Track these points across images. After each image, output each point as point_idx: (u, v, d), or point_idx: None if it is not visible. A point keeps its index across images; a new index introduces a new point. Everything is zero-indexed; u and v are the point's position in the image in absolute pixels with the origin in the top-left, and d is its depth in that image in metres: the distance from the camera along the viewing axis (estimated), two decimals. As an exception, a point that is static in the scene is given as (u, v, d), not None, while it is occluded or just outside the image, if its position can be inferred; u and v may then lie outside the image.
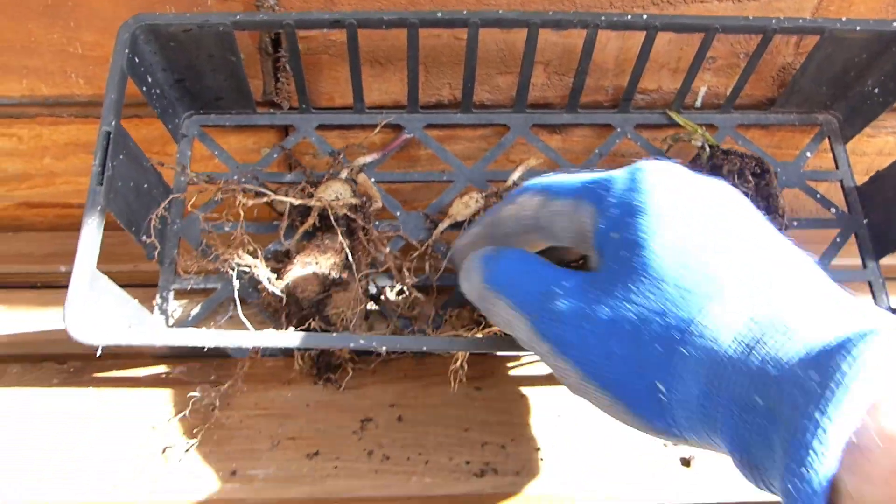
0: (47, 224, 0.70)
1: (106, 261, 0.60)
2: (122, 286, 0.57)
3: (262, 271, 0.46)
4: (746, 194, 0.55)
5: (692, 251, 0.32)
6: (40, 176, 0.66)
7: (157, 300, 0.53)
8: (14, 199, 0.68)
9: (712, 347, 0.30)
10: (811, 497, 0.25)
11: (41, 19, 0.57)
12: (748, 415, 0.28)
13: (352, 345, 0.42)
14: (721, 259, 0.32)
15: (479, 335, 0.46)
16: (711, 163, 0.59)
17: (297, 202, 0.51)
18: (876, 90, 0.61)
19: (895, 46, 0.58)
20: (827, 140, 0.66)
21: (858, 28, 0.57)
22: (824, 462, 0.25)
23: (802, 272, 0.32)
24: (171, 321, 0.53)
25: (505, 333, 0.40)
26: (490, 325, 0.48)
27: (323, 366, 0.48)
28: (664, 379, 0.31)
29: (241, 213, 0.53)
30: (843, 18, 0.57)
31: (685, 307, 0.31)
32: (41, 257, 0.62)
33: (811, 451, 0.25)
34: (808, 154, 0.65)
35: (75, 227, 0.69)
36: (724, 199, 0.36)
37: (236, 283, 0.46)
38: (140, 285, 0.58)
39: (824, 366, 0.26)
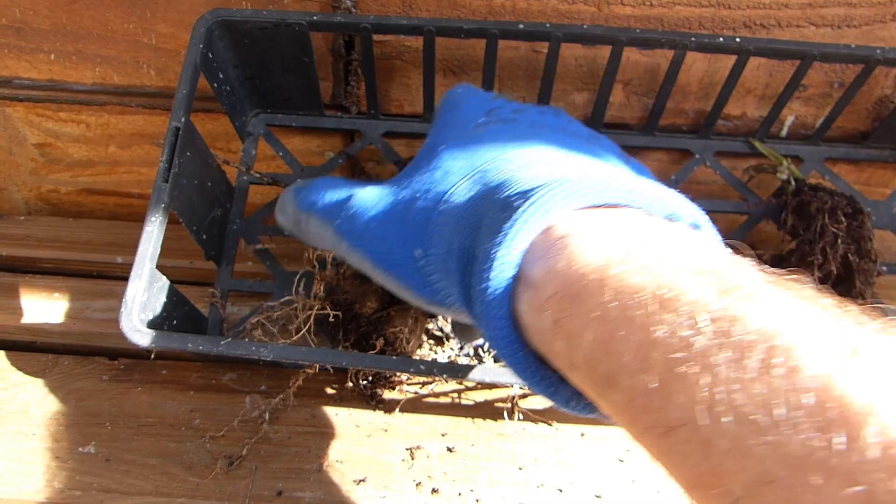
0: (107, 212, 0.70)
1: (161, 255, 0.60)
2: (177, 282, 0.57)
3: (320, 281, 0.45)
4: (836, 235, 0.52)
5: (465, 147, 0.37)
6: (104, 164, 0.66)
7: (212, 301, 0.52)
8: (77, 185, 0.68)
9: (454, 209, 0.34)
10: (492, 309, 0.28)
11: (119, 9, 0.56)
12: (470, 262, 0.31)
13: (411, 370, 0.40)
14: (488, 149, 0.36)
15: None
16: (798, 199, 0.55)
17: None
18: (983, 131, 0.57)
19: None
20: (921, 181, 0.61)
21: (972, 64, 0.53)
22: (502, 274, 0.28)
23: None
24: (225, 325, 0.51)
25: None
26: None
27: (376, 386, 0.47)
28: (422, 244, 0.35)
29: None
30: (956, 53, 0.53)
31: (445, 184, 0.36)
32: (99, 246, 0.62)
33: (491, 268, 0.28)
34: (902, 194, 0.61)
35: (134, 217, 0.69)
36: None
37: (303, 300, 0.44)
38: (194, 283, 0.58)
39: (513, 204, 0.30)
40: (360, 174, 0.59)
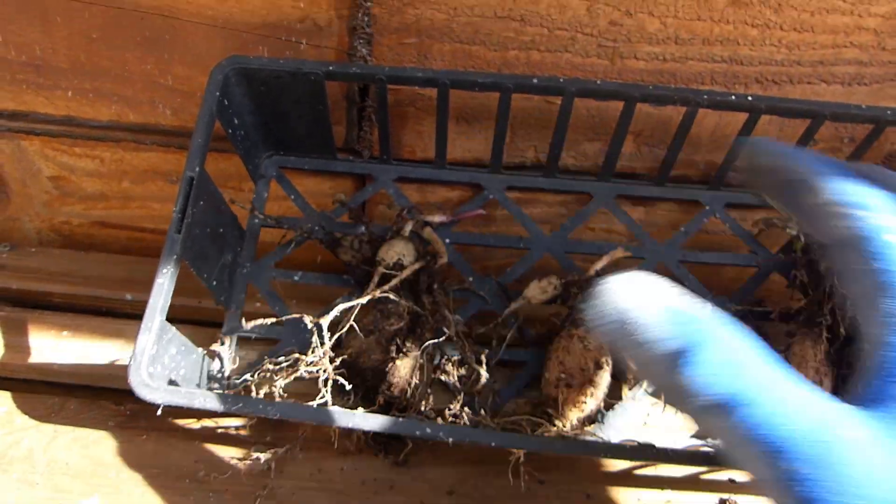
0: (119, 245, 0.70)
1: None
2: (185, 321, 0.57)
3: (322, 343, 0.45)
4: (845, 297, 0.52)
5: None
6: (117, 198, 0.67)
7: (220, 346, 0.52)
8: (90, 218, 0.68)
9: None
10: None
11: (138, 50, 0.57)
12: None
13: (417, 433, 0.40)
14: None
15: (547, 432, 0.44)
16: (808, 258, 0.55)
17: (350, 261, 0.50)
18: None
19: None
20: (932, 237, 0.61)
21: (983, 128, 0.53)
22: None
23: None
24: (230, 370, 0.52)
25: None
26: (555, 423, 0.45)
27: (382, 439, 0.47)
28: None
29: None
30: (968, 116, 0.53)
31: None
32: (110, 281, 0.62)
33: None
34: (911, 251, 0.60)
35: (145, 252, 0.70)
36: None
37: (322, 359, 0.44)
38: (203, 322, 0.58)
39: None
40: (359, 220, 0.59)
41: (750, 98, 0.53)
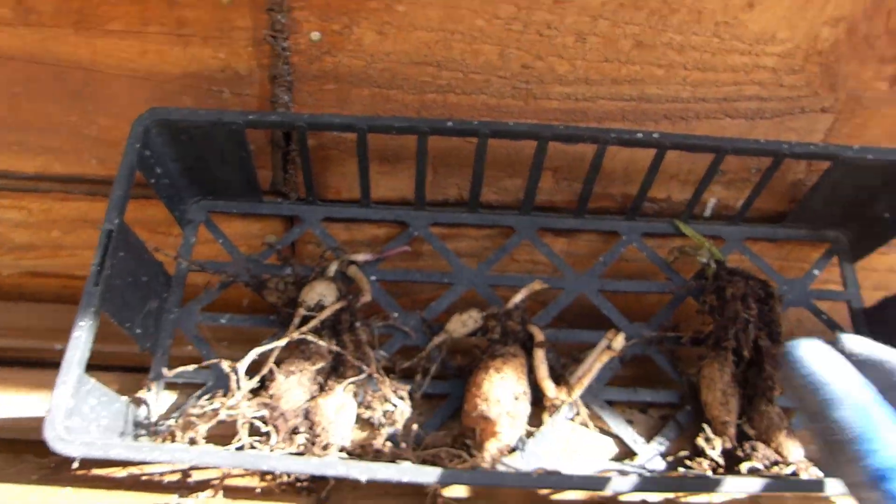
0: (51, 294, 0.70)
1: (99, 341, 0.61)
2: (114, 368, 0.57)
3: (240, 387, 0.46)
4: (748, 321, 0.54)
5: None
6: (47, 247, 0.67)
7: (146, 393, 0.52)
8: (20, 268, 0.68)
9: None
10: None
11: (61, 102, 0.58)
12: None
13: (331, 472, 0.41)
14: None
15: (462, 467, 0.45)
16: (717, 284, 0.58)
17: (276, 302, 0.52)
18: (887, 214, 0.60)
19: (908, 176, 0.58)
20: (836, 258, 0.65)
21: (870, 157, 0.56)
22: None
23: None
24: (158, 415, 0.52)
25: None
26: (473, 453, 0.47)
27: (304, 479, 0.48)
28: None
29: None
30: (856, 147, 0.57)
31: None
32: (39, 332, 0.62)
33: None
34: (816, 272, 0.64)
35: (77, 300, 0.70)
36: None
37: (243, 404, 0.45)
38: (132, 369, 0.58)
39: None
40: (287, 261, 0.60)
41: (655, 135, 0.56)
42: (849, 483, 0.32)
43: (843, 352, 0.36)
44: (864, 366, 0.35)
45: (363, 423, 0.52)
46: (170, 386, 0.55)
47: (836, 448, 0.32)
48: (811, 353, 0.34)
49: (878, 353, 0.36)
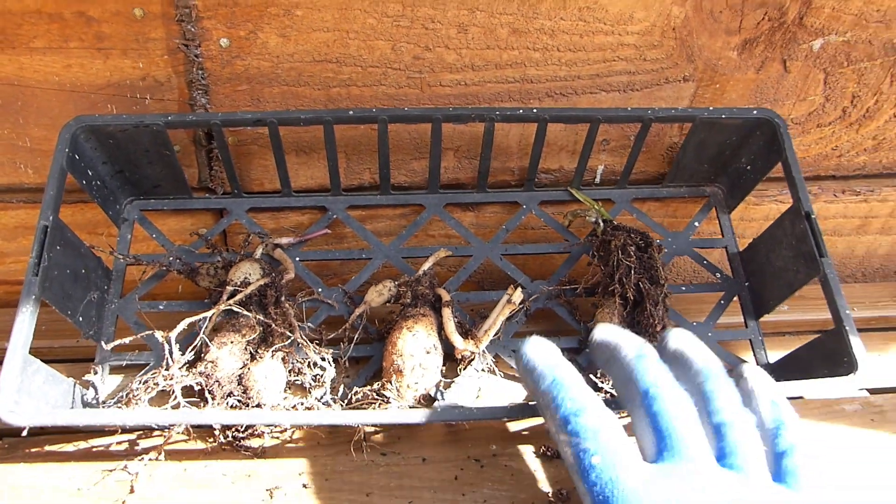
0: (-3, 300, 0.74)
1: (49, 336, 0.65)
2: (64, 361, 0.62)
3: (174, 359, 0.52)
4: (630, 267, 0.62)
5: None
6: (-9, 256, 0.71)
7: (93, 376, 0.57)
8: (-35, 278, 0.72)
9: None
10: None
11: (-7, 118, 0.63)
12: None
13: (258, 421, 0.47)
14: None
15: (378, 410, 0.52)
16: (603, 237, 0.65)
17: (209, 286, 0.57)
18: (749, 167, 0.69)
19: (758, 130, 0.66)
20: (714, 210, 0.73)
21: (724, 116, 0.65)
22: None
23: None
24: (105, 395, 0.57)
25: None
26: (388, 401, 0.54)
27: (241, 436, 0.53)
28: None
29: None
30: (711, 108, 0.65)
31: None
32: (-12, 334, 0.66)
33: None
34: (697, 224, 0.72)
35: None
36: None
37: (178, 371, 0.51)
38: (82, 360, 0.63)
39: None
40: (213, 249, 0.65)
41: (535, 110, 0.63)
42: (554, 435, 0.43)
43: (663, 344, 0.49)
44: (673, 358, 0.47)
45: (296, 388, 0.58)
46: (115, 370, 0.60)
47: (544, 411, 0.44)
48: (529, 347, 0.46)
49: (687, 350, 0.47)
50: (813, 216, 0.61)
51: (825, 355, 0.57)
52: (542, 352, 0.46)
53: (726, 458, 0.42)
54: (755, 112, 0.65)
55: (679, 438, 0.41)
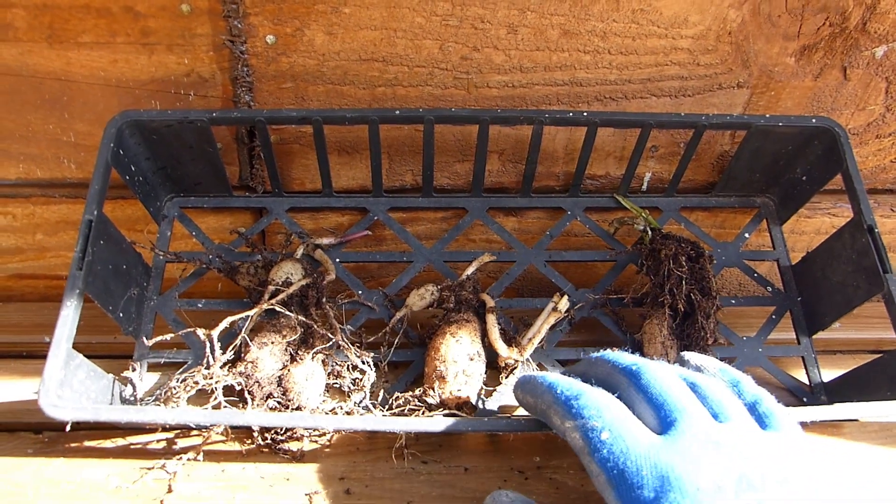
0: (38, 294, 0.74)
1: (88, 332, 0.65)
2: (102, 356, 0.62)
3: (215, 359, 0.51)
4: (681, 277, 0.60)
5: None
6: (32, 250, 0.71)
7: (131, 372, 0.57)
8: (7, 271, 0.72)
9: None
10: None
11: (39, 111, 0.63)
12: None
13: (300, 424, 0.46)
14: None
15: (423, 417, 0.50)
16: (652, 248, 0.63)
17: (248, 285, 0.56)
18: (804, 178, 0.66)
19: (816, 140, 0.64)
20: (765, 221, 0.70)
21: (781, 124, 0.62)
22: None
23: None
24: (143, 393, 0.57)
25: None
26: (431, 410, 0.52)
27: (280, 439, 0.52)
28: None
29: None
30: (767, 115, 0.63)
31: None
32: (29, 327, 0.66)
33: None
34: (747, 235, 0.70)
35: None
36: None
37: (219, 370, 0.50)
38: (119, 356, 0.62)
39: None
40: (255, 248, 0.65)
41: (585, 114, 0.62)
42: (560, 428, 0.43)
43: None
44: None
45: (334, 391, 0.57)
46: (153, 367, 0.59)
47: (547, 410, 0.44)
48: (522, 377, 0.48)
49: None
50: (876, 230, 0.58)
51: (891, 376, 0.55)
52: (533, 374, 0.48)
53: (717, 416, 0.42)
54: (814, 121, 0.62)
55: (676, 401, 0.42)
